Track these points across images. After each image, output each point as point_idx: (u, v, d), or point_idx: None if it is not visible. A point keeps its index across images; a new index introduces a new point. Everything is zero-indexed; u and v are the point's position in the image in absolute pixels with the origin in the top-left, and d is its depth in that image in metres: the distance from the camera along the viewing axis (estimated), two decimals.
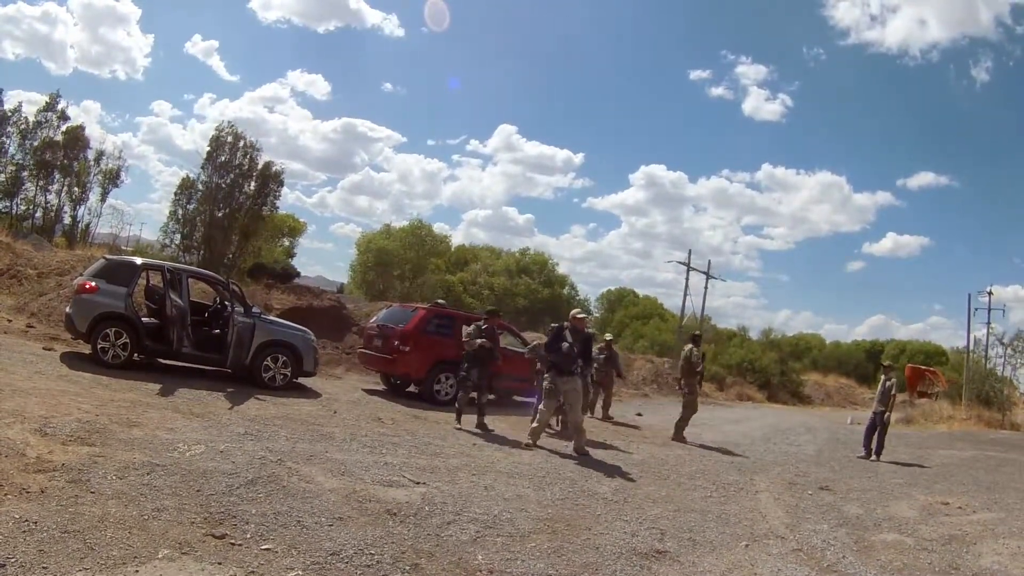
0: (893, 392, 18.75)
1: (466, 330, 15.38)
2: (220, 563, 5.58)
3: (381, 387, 19.55)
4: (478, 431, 14.23)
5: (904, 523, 11.00)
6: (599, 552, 7.38)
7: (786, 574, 7.74)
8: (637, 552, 7.59)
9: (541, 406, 13.66)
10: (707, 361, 18.81)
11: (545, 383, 13.54)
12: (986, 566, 9.00)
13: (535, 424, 13.53)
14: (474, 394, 14.91)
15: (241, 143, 34.72)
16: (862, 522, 10.78)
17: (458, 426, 14.35)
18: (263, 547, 6.03)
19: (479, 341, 14.74)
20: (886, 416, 18.37)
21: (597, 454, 13.77)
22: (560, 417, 15.70)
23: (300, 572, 5.70)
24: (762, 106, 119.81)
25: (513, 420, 15.95)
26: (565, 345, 13.32)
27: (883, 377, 18.85)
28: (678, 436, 17.27)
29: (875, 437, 18.43)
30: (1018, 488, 15.33)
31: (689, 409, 17.60)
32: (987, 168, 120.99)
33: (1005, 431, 33.01)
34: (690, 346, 18.18)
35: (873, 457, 18.08)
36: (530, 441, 13.20)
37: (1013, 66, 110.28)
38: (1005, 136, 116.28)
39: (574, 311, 14.50)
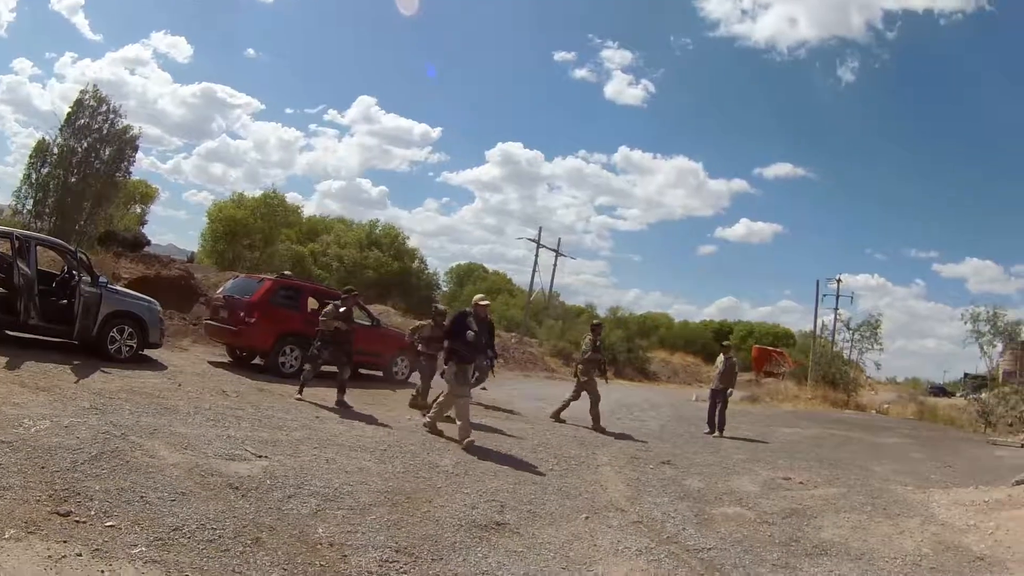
0: (736, 371, 20.10)
1: (324, 310, 15.68)
2: (65, 541, 5.79)
3: (227, 359, 19.72)
4: (337, 407, 14.57)
5: (745, 497, 11.54)
6: (439, 524, 7.88)
7: (626, 545, 8.15)
8: (476, 524, 8.09)
9: (458, 398, 13.13)
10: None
11: (451, 372, 13.10)
12: (826, 539, 9.52)
13: (459, 421, 12.95)
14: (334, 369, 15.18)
15: (104, 107, 33.42)
16: (703, 496, 11.29)
17: (299, 397, 14.77)
18: (107, 524, 6.23)
19: (336, 324, 14.98)
20: (728, 392, 19.53)
21: (441, 427, 14.05)
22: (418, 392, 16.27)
23: (143, 548, 5.89)
24: (624, 90, 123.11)
25: (358, 393, 16.24)
26: (471, 334, 13.01)
27: (723, 357, 19.98)
28: (596, 426, 17.51)
29: (716, 413, 19.40)
30: (860, 465, 16.32)
31: (592, 396, 17.81)
32: (845, 163, 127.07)
33: (850, 411, 35.31)
34: (587, 335, 18.72)
35: (716, 433, 19.25)
36: (470, 437, 12.74)
37: (879, 68, 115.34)
38: (865, 134, 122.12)
39: (477, 296, 14.19)
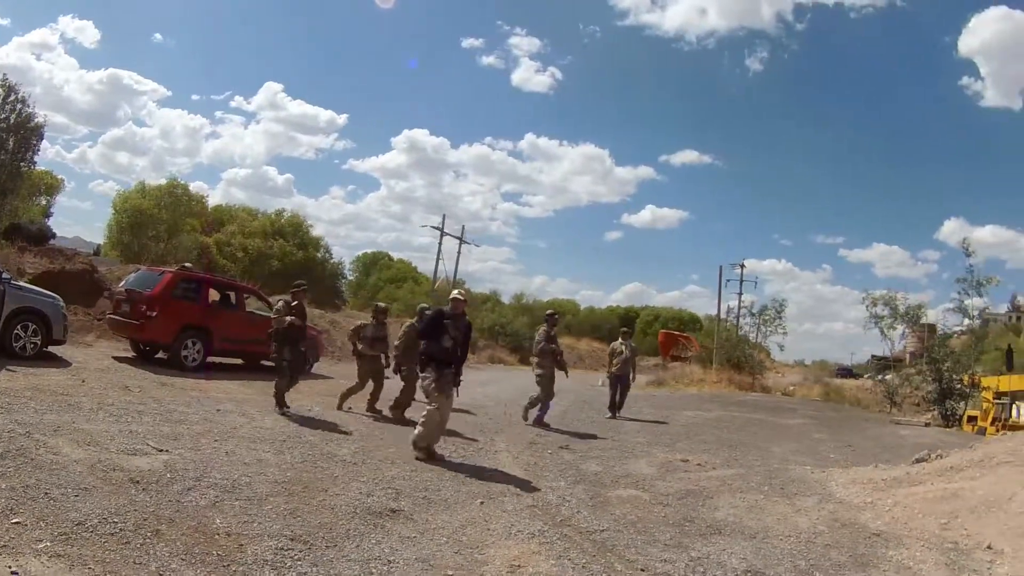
0: (636, 355, 20.93)
1: (275, 307, 15.41)
2: None
3: (131, 354, 19.88)
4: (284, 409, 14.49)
5: (642, 479, 11.98)
6: (334, 512, 8.26)
7: (519, 529, 8.48)
8: (371, 511, 8.48)
9: (432, 407, 11.93)
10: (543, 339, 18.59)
11: (428, 380, 12.05)
12: (721, 518, 9.85)
13: (422, 429, 11.91)
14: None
15: (12, 96, 32.82)
16: (600, 479, 11.73)
17: (283, 413, 14.32)
18: (13, 521, 6.42)
19: (288, 319, 14.76)
20: (632, 377, 20.27)
21: (338, 416, 14.76)
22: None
23: (48, 543, 6.08)
24: (532, 77, 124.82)
25: (260, 385, 16.48)
26: (448, 341, 12.02)
27: (623, 342, 20.66)
28: (525, 415, 17.68)
29: (618, 395, 20.18)
30: (760, 446, 16.99)
31: (546, 392, 17.66)
32: (751, 151, 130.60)
33: (756, 393, 36.17)
34: (541, 326, 18.79)
35: (617, 414, 19.95)
36: (422, 456, 11.78)
37: (788, 58, 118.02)
38: (771, 123, 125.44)
39: (454, 292, 13.30)
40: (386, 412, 15.80)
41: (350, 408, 16.01)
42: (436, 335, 12.01)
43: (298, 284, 16.06)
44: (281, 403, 14.59)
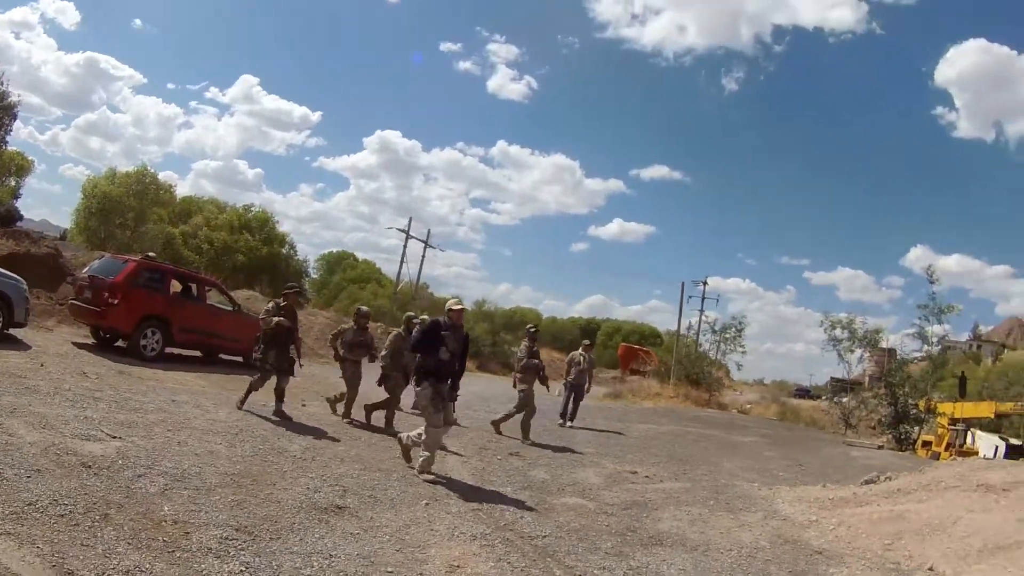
0: (593, 367, 21.52)
1: (265, 308, 15.33)
2: None
3: (91, 340, 19.90)
4: (277, 418, 14.12)
5: (588, 489, 12.26)
6: (280, 506, 8.47)
7: (461, 531, 8.66)
8: (317, 507, 8.68)
9: (434, 429, 11.44)
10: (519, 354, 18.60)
11: (425, 396, 11.42)
12: (663, 529, 10.10)
13: (428, 454, 11.42)
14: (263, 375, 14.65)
15: None
16: (547, 487, 12.02)
17: (241, 408, 14.27)
18: None
19: (276, 320, 14.51)
20: (586, 388, 20.75)
21: (293, 413, 14.75)
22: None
23: None
24: (507, 85, 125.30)
25: (216, 378, 16.72)
26: (446, 353, 11.40)
27: (584, 353, 21.07)
28: (525, 438, 16.84)
29: (571, 404, 20.75)
30: (710, 461, 17.32)
31: (520, 406, 17.56)
32: (721, 169, 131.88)
33: (712, 409, 36.28)
34: (524, 341, 18.83)
35: (569, 423, 20.50)
36: (430, 475, 11.26)
37: (764, 80, 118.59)
38: (743, 142, 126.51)
39: (450, 302, 12.25)
40: (342, 412, 15.88)
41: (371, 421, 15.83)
42: (432, 347, 11.43)
43: (290, 286, 15.86)
44: (244, 400, 14.45)
